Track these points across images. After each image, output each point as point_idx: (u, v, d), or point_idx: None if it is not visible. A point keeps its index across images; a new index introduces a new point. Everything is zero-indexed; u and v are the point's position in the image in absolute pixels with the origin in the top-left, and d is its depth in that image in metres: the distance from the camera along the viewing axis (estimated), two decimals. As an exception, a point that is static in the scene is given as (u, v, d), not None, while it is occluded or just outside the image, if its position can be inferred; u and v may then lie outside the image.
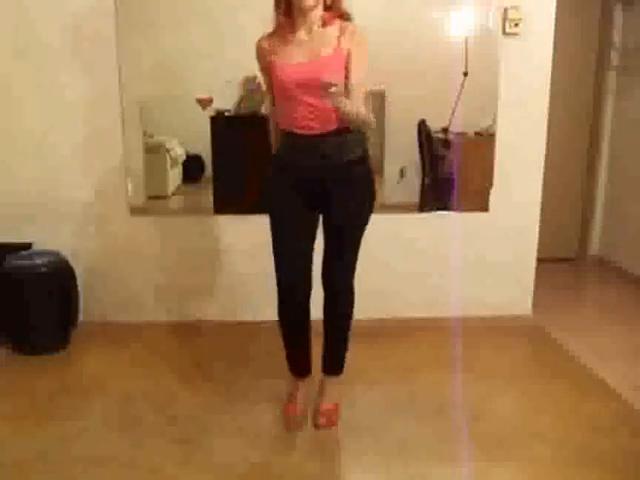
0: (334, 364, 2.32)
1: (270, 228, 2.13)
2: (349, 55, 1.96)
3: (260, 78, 2.21)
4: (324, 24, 1.98)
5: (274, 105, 2.12)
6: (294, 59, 1.97)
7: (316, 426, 2.22)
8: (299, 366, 2.31)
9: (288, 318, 2.21)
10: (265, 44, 2.05)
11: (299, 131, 2.00)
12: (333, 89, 1.76)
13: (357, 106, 1.92)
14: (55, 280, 2.82)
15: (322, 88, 1.77)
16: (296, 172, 2.06)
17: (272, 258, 2.14)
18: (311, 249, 2.15)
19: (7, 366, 2.73)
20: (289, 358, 2.30)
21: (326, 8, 1.99)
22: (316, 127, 1.98)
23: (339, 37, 1.96)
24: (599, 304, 3.69)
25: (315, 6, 1.93)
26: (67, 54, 2.87)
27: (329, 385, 2.32)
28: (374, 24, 2.89)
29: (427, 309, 3.15)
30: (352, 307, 2.26)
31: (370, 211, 2.13)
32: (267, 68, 2.04)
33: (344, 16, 2.01)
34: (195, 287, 3.14)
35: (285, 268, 2.13)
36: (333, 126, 1.98)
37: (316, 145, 2.00)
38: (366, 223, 2.14)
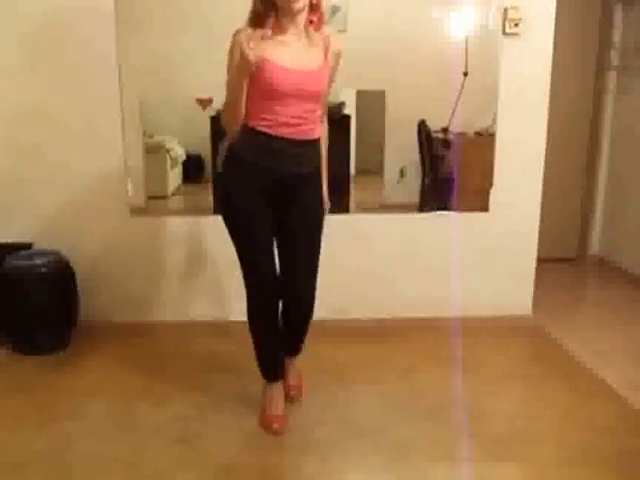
0: (297, 349, 2.39)
1: (237, 229, 2.11)
2: (331, 72, 2.09)
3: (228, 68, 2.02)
4: (308, 29, 1.99)
5: (242, 100, 1.98)
6: (289, 64, 1.94)
7: (291, 401, 2.35)
8: (274, 369, 2.28)
9: (266, 315, 2.21)
10: (250, 38, 1.88)
11: (275, 135, 1.98)
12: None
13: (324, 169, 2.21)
14: (55, 280, 2.82)
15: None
16: (257, 172, 2.02)
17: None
18: (273, 245, 2.17)
19: (7, 366, 2.72)
20: (263, 362, 2.27)
21: (310, 9, 1.97)
22: (294, 133, 1.99)
23: (326, 50, 2.03)
24: (599, 304, 3.69)
25: (303, 8, 1.92)
26: (67, 54, 2.87)
27: (291, 364, 2.40)
28: (374, 24, 2.92)
29: (427, 309, 3.15)
30: (312, 312, 2.25)
31: (323, 220, 2.20)
32: (248, 65, 1.87)
33: (321, 18, 2.04)
34: (195, 287, 3.14)
35: (262, 266, 2.12)
36: (308, 135, 2.04)
37: (283, 151, 2.00)
38: (320, 232, 2.19)
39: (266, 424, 2.21)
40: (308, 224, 2.14)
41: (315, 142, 2.10)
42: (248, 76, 1.91)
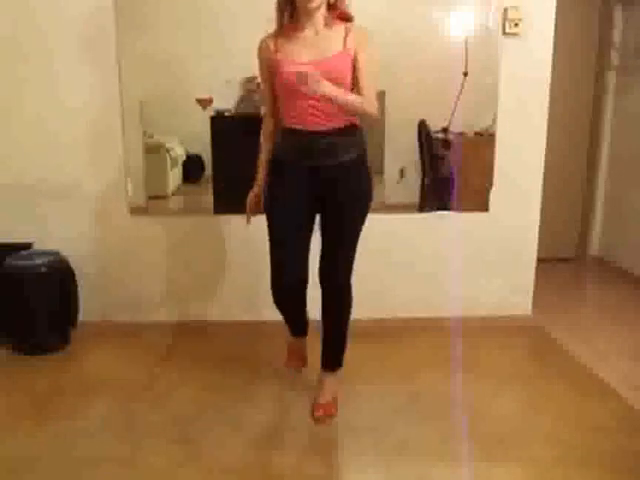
0: (332, 361, 2.35)
1: (268, 225, 2.17)
2: (356, 57, 2.00)
3: (259, 78, 2.20)
4: (328, 24, 2.02)
5: (271, 107, 2.16)
6: (302, 57, 2.00)
7: (315, 420, 2.25)
8: (298, 329, 2.48)
9: (285, 304, 2.30)
10: (270, 43, 2.06)
11: (301, 127, 2.04)
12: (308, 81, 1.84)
13: (345, 92, 1.95)
14: (55, 280, 2.82)
15: (298, 81, 1.85)
16: (294, 170, 2.09)
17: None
18: (308, 244, 2.21)
19: (7, 366, 2.73)
20: (288, 323, 2.44)
21: (329, 7, 2.03)
22: (318, 123, 2.02)
23: (345, 38, 2.01)
24: (599, 304, 3.69)
25: (319, 6, 1.97)
26: (67, 54, 2.87)
27: (327, 381, 2.35)
28: (374, 24, 2.88)
29: (427, 309, 3.15)
30: (350, 305, 2.28)
31: (366, 210, 2.17)
32: (271, 67, 2.06)
33: (346, 17, 2.06)
34: (195, 287, 3.14)
35: (284, 268, 2.17)
36: (334, 125, 2.03)
37: (314, 143, 2.04)
38: (362, 222, 2.17)
39: (291, 361, 2.55)
40: (347, 215, 2.14)
41: (347, 131, 2.06)
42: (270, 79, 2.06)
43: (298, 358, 2.54)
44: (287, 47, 2.03)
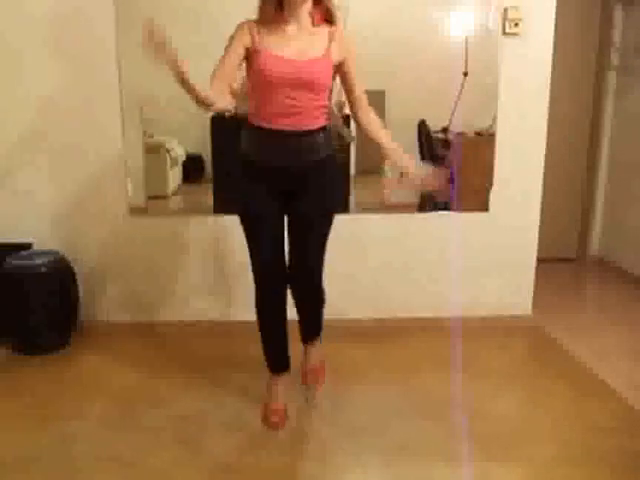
0: (312, 334, 2.39)
1: (242, 224, 2.15)
2: (345, 63, 2.04)
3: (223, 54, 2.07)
4: (313, 22, 1.99)
5: (224, 75, 2.03)
6: (283, 52, 1.95)
7: (306, 385, 2.37)
8: (278, 361, 2.30)
9: (268, 308, 2.23)
10: (253, 28, 1.98)
11: (272, 126, 2.00)
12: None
13: (395, 146, 2.18)
14: (55, 280, 2.82)
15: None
16: (266, 169, 2.06)
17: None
18: (283, 236, 2.17)
19: (7, 366, 2.73)
20: (268, 354, 2.29)
21: (314, 2, 1.99)
22: (290, 124, 1.99)
23: (330, 42, 1.99)
24: (599, 304, 3.69)
25: (306, 0, 1.94)
26: (67, 54, 2.87)
27: (311, 349, 2.41)
28: (374, 24, 2.92)
29: (427, 309, 3.15)
30: (324, 298, 2.29)
31: (338, 207, 2.19)
32: (247, 50, 1.97)
33: (330, 17, 2.02)
34: (195, 287, 3.14)
35: (263, 261, 2.17)
36: (307, 126, 2.01)
37: (288, 142, 2.01)
38: (332, 220, 2.17)
39: (265, 417, 2.25)
40: (321, 210, 2.13)
41: (320, 130, 2.04)
42: (236, 55, 1.97)
43: (275, 412, 2.24)
44: (268, 38, 1.96)
